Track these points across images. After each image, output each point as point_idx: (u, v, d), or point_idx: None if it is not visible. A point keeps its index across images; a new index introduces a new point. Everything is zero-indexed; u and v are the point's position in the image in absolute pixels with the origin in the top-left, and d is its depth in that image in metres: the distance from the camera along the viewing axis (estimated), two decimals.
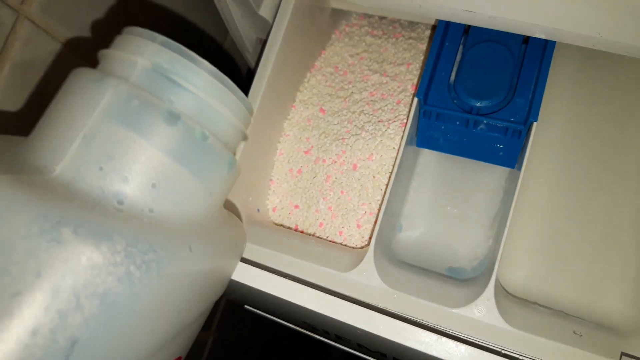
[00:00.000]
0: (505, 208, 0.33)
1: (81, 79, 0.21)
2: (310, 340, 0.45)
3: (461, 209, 0.39)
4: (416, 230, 0.39)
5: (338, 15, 0.45)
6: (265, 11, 0.39)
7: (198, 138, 0.21)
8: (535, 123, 0.32)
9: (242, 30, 0.42)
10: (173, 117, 0.20)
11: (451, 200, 0.39)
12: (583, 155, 0.37)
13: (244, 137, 0.26)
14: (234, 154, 0.26)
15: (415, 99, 0.34)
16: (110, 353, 0.18)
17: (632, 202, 0.35)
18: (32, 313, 0.16)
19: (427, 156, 0.40)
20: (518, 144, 0.34)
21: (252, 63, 0.47)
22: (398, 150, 0.34)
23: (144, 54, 0.21)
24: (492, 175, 0.39)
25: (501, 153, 0.36)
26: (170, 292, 0.20)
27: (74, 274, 0.16)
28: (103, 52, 0.22)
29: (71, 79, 0.21)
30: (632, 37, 0.27)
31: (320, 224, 0.38)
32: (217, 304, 0.71)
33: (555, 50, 0.35)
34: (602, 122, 0.37)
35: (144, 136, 0.19)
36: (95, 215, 0.18)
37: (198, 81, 0.22)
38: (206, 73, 0.22)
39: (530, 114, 0.33)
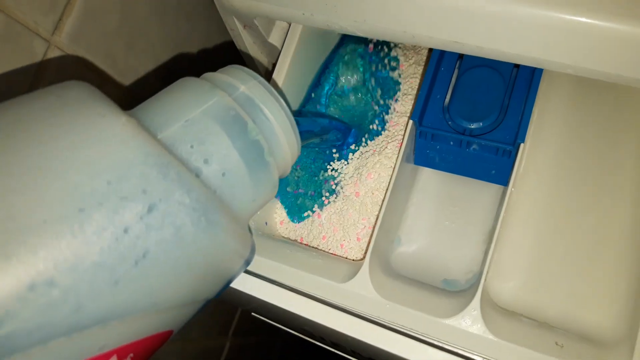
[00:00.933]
0: (502, 223, 0.35)
1: (196, 84, 0.27)
2: (326, 349, 0.47)
3: (459, 224, 0.41)
4: (414, 244, 0.41)
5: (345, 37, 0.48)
6: (274, 38, 0.42)
7: (265, 156, 0.27)
8: (522, 144, 0.34)
9: (254, 55, 0.45)
10: (254, 133, 0.27)
11: (449, 215, 0.41)
12: (574, 174, 0.38)
13: (284, 173, 0.31)
14: None
15: (410, 121, 0.36)
16: (159, 279, 0.22)
17: (619, 220, 0.36)
18: (129, 216, 0.20)
19: (429, 174, 0.42)
20: (508, 163, 0.36)
21: None
22: (394, 167, 0.36)
23: (246, 84, 0.28)
24: (489, 192, 0.40)
25: (493, 172, 0.38)
26: (211, 255, 0.24)
27: (167, 201, 0.21)
28: (211, 74, 0.29)
29: (184, 81, 0.28)
30: (607, 66, 0.29)
31: (324, 237, 0.40)
32: (233, 310, 0.74)
33: (549, 74, 0.37)
34: (593, 142, 0.39)
35: (230, 137, 0.26)
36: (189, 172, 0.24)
37: (277, 116, 0.28)
38: (283, 113, 0.29)
39: (517, 136, 0.35)
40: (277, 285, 0.32)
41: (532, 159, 0.39)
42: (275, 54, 0.44)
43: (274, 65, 0.41)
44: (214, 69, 0.30)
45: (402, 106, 0.42)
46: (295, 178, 0.42)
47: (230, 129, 0.26)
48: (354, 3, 0.32)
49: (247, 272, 0.33)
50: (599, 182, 0.38)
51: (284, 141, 0.29)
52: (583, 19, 0.27)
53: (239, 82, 0.28)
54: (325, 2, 0.33)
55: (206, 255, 0.24)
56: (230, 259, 0.27)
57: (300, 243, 0.41)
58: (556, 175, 0.39)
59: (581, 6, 0.27)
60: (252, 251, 0.29)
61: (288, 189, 0.42)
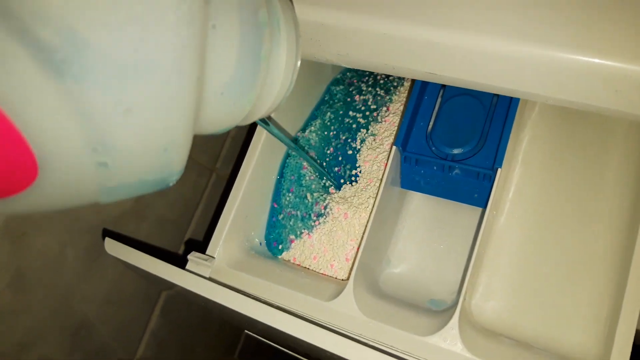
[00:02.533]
0: (481, 245, 0.37)
1: None
2: None
3: (447, 245, 0.42)
4: (404, 265, 0.42)
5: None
6: None
7: (261, 54, 0.24)
8: (499, 169, 0.36)
9: None
10: (263, 19, 0.24)
11: (438, 238, 0.43)
12: (558, 198, 0.40)
13: (260, 110, 0.27)
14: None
15: (394, 147, 0.38)
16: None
17: (600, 244, 0.37)
18: None
19: (421, 199, 0.44)
20: (489, 187, 0.38)
21: None
22: (378, 190, 0.38)
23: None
24: (476, 215, 0.42)
25: (476, 195, 0.39)
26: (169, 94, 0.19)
27: None
28: None
29: None
30: (576, 96, 0.30)
31: (314, 257, 0.42)
32: (238, 333, 0.75)
33: (536, 101, 0.38)
34: (577, 167, 0.40)
35: (241, 7, 0.23)
36: None
37: (289, 34, 0.26)
38: (294, 33, 0.27)
39: (495, 161, 0.36)
40: (263, 302, 0.34)
41: (518, 183, 0.41)
42: None
43: None
44: None
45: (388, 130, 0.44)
46: (286, 201, 0.44)
47: (245, 5, 0.23)
48: (334, 39, 0.34)
49: (237, 290, 0.35)
50: (581, 206, 0.39)
51: (282, 61, 0.26)
52: (551, 52, 0.29)
53: None
54: (311, 36, 0.35)
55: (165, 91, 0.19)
56: (171, 130, 0.20)
57: (293, 263, 0.43)
58: (540, 199, 0.40)
59: (548, 40, 0.29)
60: (179, 172, 0.23)
61: (280, 216, 0.44)
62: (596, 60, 0.28)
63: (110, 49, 0.17)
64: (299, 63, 0.28)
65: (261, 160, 0.41)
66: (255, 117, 0.28)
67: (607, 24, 0.27)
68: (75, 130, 0.17)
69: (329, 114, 0.47)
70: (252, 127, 0.68)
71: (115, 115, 0.18)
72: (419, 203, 0.44)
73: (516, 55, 0.29)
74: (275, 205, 0.44)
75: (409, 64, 0.34)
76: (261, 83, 0.25)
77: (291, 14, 0.27)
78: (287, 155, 0.46)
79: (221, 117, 0.25)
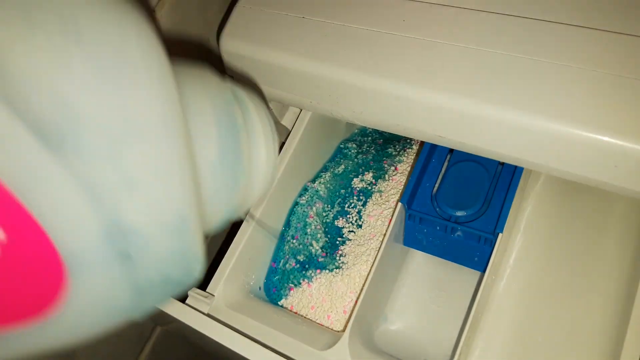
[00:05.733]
0: (478, 308, 0.37)
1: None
2: None
3: (445, 306, 0.43)
4: (400, 323, 0.43)
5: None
6: (286, 121, 0.47)
7: (239, 145, 0.25)
8: (500, 234, 0.37)
9: None
10: (240, 122, 0.26)
11: (437, 298, 0.43)
12: (557, 266, 0.40)
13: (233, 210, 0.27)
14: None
15: (399, 204, 0.40)
16: None
17: (598, 314, 0.37)
18: None
19: (423, 258, 0.45)
20: (489, 251, 0.38)
21: None
22: (380, 245, 0.39)
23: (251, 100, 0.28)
24: (476, 277, 0.42)
25: (476, 258, 0.40)
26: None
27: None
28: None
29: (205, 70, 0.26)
30: (574, 167, 0.32)
31: (312, 307, 0.42)
32: None
33: (538, 170, 0.40)
34: (577, 238, 0.41)
35: (213, 105, 0.24)
36: None
37: (266, 137, 0.27)
38: (271, 133, 0.28)
39: (497, 226, 0.37)
40: (262, 345, 0.34)
41: (519, 250, 0.42)
42: (285, 134, 0.49)
43: (283, 143, 0.45)
44: None
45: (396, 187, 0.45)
46: (289, 248, 0.45)
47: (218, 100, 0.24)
48: (352, 96, 0.36)
49: (233, 329, 0.35)
50: (581, 278, 0.39)
51: (262, 160, 0.27)
52: (555, 126, 0.31)
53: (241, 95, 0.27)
54: (329, 93, 0.37)
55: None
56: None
57: (290, 311, 0.43)
58: (541, 267, 0.41)
59: (553, 114, 0.31)
60: (199, 264, 0.23)
61: (281, 263, 0.45)
62: (597, 137, 0.29)
63: (99, 114, 0.16)
64: (277, 157, 0.29)
65: (270, 206, 0.43)
66: (241, 211, 0.29)
67: (609, 103, 0.29)
68: (87, 211, 0.16)
69: (339, 168, 0.49)
70: None
71: (121, 190, 0.17)
72: (419, 262, 0.45)
73: (521, 126, 0.31)
74: (273, 263, 0.45)
75: (419, 126, 0.36)
76: (245, 182, 0.26)
77: (265, 113, 0.28)
78: (295, 204, 0.47)
79: (217, 209, 0.25)
